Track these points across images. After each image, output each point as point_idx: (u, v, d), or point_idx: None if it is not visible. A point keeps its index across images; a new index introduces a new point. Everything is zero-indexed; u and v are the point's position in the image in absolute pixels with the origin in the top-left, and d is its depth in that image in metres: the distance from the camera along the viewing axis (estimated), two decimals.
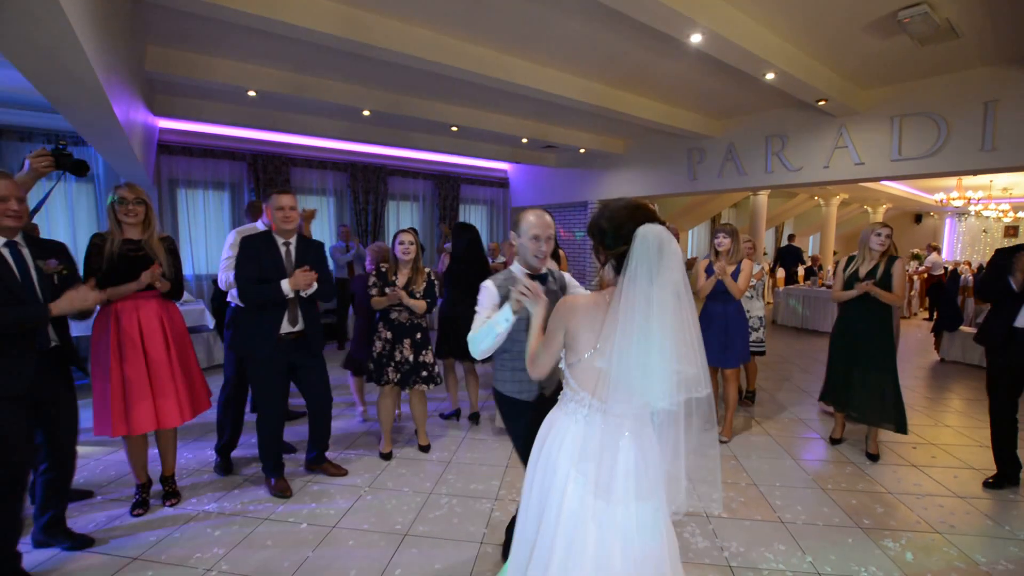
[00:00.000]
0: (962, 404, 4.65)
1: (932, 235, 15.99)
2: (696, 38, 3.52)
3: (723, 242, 3.55)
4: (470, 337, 1.77)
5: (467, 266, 3.76)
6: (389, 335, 3.21)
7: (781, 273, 11.06)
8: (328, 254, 6.98)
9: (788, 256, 10.97)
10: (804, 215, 14.60)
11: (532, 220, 1.87)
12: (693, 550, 2.34)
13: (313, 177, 8.01)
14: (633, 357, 1.20)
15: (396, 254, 3.21)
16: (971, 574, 2.21)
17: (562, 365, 1.45)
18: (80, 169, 2.44)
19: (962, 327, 6.21)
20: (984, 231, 15.11)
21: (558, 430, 1.43)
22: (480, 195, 10.16)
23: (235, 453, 3.20)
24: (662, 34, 3.50)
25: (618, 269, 1.30)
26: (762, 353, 4.35)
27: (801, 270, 10.59)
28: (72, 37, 1.82)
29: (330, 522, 2.56)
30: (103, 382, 2.44)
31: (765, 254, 12.51)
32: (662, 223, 1.30)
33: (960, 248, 15.67)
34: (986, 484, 2.99)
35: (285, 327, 2.71)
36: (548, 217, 1.92)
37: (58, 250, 2.22)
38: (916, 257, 12.04)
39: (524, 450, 1.80)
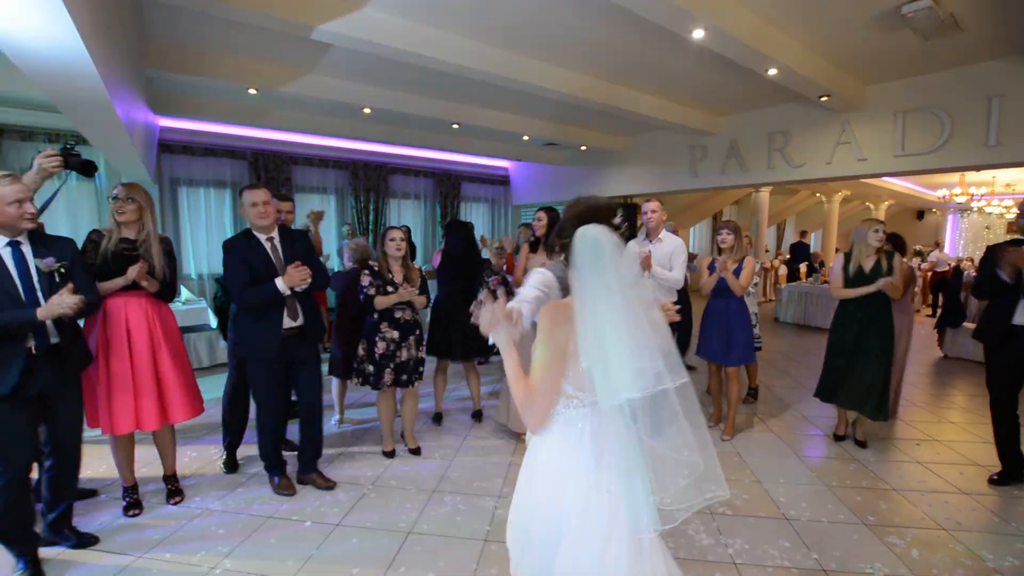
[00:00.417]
0: (966, 400, 4.64)
1: (934, 231, 15.94)
2: (698, 33, 3.50)
3: (726, 239, 3.56)
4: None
5: (461, 263, 3.75)
6: (396, 334, 3.13)
7: (784, 270, 11.04)
8: (335, 253, 7.06)
9: (798, 253, 10.96)
10: (806, 212, 14.56)
11: None
12: (697, 547, 2.34)
13: (314, 175, 8.00)
14: (593, 352, 1.18)
15: (387, 251, 3.14)
16: (978, 571, 2.20)
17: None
18: (88, 169, 2.43)
19: (965, 323, 6.20)
20: (987, 227, 15.05)
21: (558, 450, 1.30)
22: (481, 193, 10.15)
23: (239, 452, 3.20)
24: (664, 30, 3.48)
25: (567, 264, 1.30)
26: (758, 348, 4.36)
27: (803, 267, 10.58)
28: (73, 35, 1.81)
29: (334, 520, 2.56)
30: (89, 378, 2.42)
31: (767, 251, 12.48)
32: (616, 226, 1.25)
33: (963, 244, 15.62)
34: (991, 481, 2.99)
35: (286, 323, 2.70)
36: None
37: (65, 246, 2.19)
38: (919, 254, 12.00)
39: None
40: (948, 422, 4.02)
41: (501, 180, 10.33)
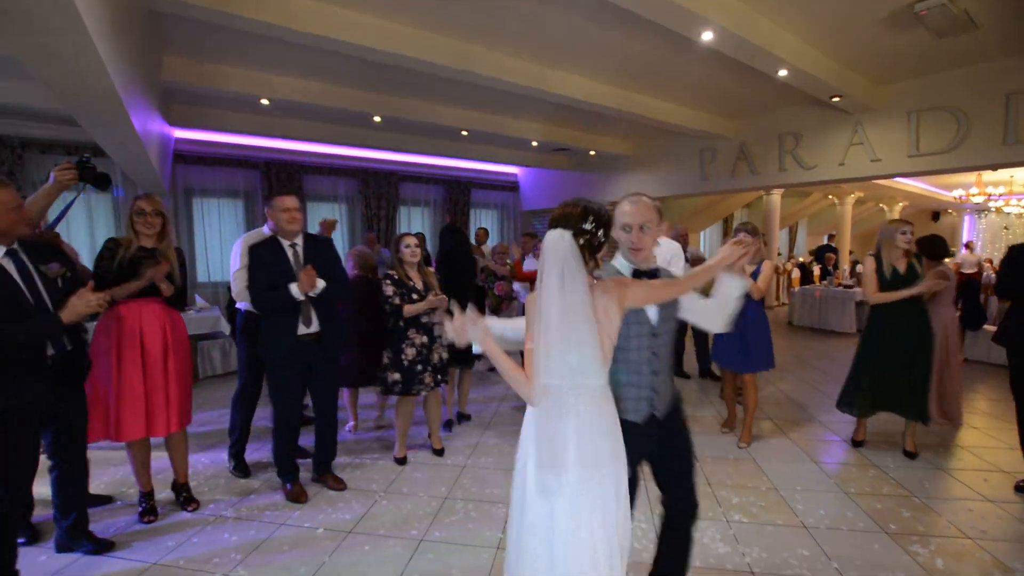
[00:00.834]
0: (988, 405, 4.52)
1: (951, 233, 15.63)
2: (708, 36, 3.49)
3: (744, 240, 3.48)
4: None
5: (455, 269, 3.74)
6: (425, 339, 3.13)
7: (797, 273, 10.89)
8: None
9: (822, 256, 10.76)
10: (818, 214, 14.38)
11: (624, 208, 1.60)
12: (714, 555, 2.30)
13: (325, 184, 8.09)
14: (539, 339, 1.35)
15: (403, 257, 3.14)
16: None
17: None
18: (102, 182, 2.46)
19: (985, 326, 6.05)
20: (1005, 228, 14.72)
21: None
22: (491, 199, 10.19)
23: (252, 458, 3.22)
24: (674, 33, 3.48)
25: None
26: None
27: (816, 269, 10.42)
28: (91, 49, 1.85)
29: (346, 527, 2.55)
30: (95, 384, 2.41)
31: (780, 254, 12.34)
32: (585, 231, 1.37)
33: (980, 245, 15.30)
34: (1018, 488, 2.89)
35: (300, 329, 2.71)
36: (645, 200, 1.62)
37: (53, 251, 2.16)
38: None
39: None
40: (971, 427, 3.91)
41: (511, 186, 10.36)
